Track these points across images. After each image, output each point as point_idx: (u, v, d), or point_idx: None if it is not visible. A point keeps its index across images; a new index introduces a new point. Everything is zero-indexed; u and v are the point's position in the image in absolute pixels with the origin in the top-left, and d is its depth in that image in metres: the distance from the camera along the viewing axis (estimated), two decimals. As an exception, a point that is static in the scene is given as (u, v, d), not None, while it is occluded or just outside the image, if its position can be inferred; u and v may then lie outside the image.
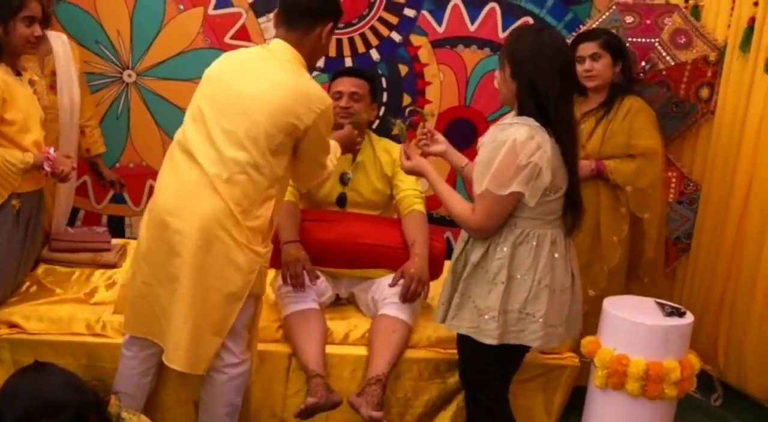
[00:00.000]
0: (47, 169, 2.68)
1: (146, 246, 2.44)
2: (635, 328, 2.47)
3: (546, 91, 2.21)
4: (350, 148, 2.97)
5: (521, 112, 2.28)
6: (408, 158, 2.59)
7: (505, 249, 2.29)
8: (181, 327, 2.35)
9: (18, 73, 2.75)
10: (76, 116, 3.25)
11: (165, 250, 2.37)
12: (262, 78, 2.38)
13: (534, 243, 2.28)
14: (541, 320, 2.28)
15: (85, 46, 3.78)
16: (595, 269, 3.21)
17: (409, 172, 2.63)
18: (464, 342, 2.42)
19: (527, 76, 2.23)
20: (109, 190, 3.75)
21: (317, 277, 2.89)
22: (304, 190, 3.05)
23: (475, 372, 2.49)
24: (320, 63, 3.92)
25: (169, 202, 2.38)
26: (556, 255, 2.31)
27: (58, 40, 3.18)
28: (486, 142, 2.31)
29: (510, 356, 2.43)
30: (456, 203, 2.38)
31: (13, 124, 2.63)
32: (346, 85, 3.12)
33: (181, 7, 3.82)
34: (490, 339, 2.29)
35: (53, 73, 3.12)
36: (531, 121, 2.23)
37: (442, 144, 2.70)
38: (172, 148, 2.46)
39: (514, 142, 2.19)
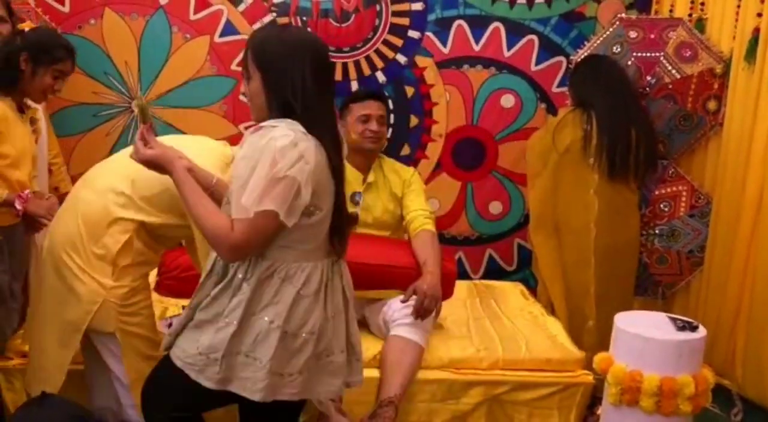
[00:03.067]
0: (18, 207, 2.63)
1: None
2: (647, 344, 2.43)
3: (303, 92, 1.90)
4: None
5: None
6: (147, 144, 2.05)
7: (246, 286, 1.94)
8: None
9: (21, 111, 2.75)
10: (45, 151, 3.22)
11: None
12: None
13: (281, 277, 1.94)
14: (267, 366, 1.93)
15: (94, 77, 3.84)
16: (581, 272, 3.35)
17: (147, 162, 2.05)
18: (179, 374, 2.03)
19: (277, 79, 1.92)
20: None
21: None
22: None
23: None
24: (327, 87, 3.95)
25: None
26: (302, 293, 1.95)
27: None
28: (246, 154, 1.89)
29: (214, 398, 2.05)
30: (210, 216, 1.91)
31: (5, 157, 2.62)
32: (373, 108, 3.15)
33: (188, 36, 3.87)
34: (209, 383, 1.96)
35: None
36: (296, 126, 1.88)
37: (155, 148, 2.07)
38: None
39: (274, 150, 1.83)
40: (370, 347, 2.90)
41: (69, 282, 2.38)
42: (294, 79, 1.89)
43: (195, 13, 3.86)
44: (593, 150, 3.23)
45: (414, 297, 2.85)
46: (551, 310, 3.45)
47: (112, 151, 3.90)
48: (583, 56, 3.63)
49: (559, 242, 3.43)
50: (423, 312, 2.83)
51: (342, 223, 2.02)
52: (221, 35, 3.89)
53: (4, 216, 2.67)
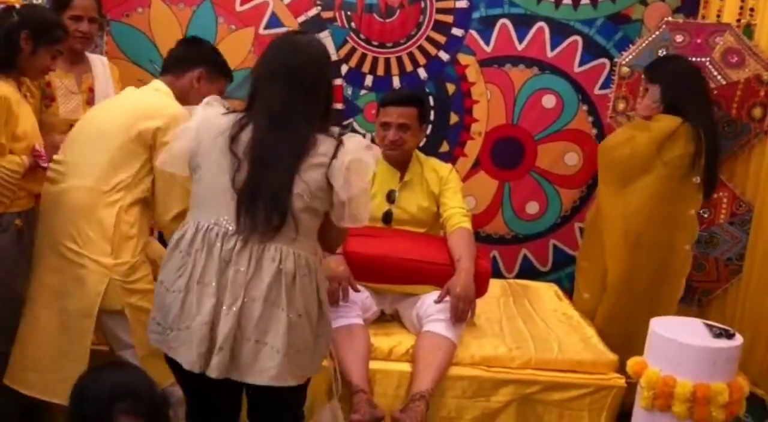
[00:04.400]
0: (44, 164, 2.61)
1: None
2: (682, 349, 2.42)
3: (254, 76, 2.13)
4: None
5: None
6: None
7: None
8: None
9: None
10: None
11: None
12: (122, 101, 2.72)
13: (182, 231, 2.08)
14: (155, 317, 2.11)
15: (140, 65, 3.89)
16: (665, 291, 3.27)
17: None
18: None
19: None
20: None
21: (357, 290, 2.91)
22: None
23: None
24: (368, 81, 3.97)
25: None
26: (177, 247, 2.06)
27: (98, 61, 3.24)
28: None
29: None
30: None
31: (20, 140, 2.58)
32: (393, 116, 3.12)
33: (233, 27, 3.91)
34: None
35: (91, 90, 3.15)
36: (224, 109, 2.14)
37: None
38: None
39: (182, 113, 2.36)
40: (403, 341, 2.92)
41: (70, 272, 2.45)
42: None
43: (241, 4, 3.90)
44: (701, 169, 3.17)
45: (448, 299, 2.87)
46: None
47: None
48: (651, 58, 3.53)
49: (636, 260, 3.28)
50: (459, 315, 2.84)
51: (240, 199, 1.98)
52: (266, 27, 3.92)
53: (22, 200, 2.61)
